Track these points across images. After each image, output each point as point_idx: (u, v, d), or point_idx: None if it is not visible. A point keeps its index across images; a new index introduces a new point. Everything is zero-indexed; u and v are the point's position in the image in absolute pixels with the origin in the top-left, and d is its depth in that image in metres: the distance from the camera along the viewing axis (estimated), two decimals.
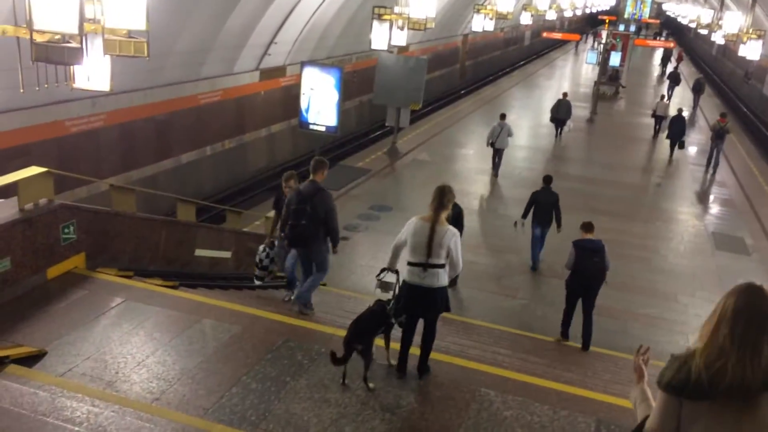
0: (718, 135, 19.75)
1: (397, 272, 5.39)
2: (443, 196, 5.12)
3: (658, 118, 24.00)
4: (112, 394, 4.85)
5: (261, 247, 8.00)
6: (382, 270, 5.50)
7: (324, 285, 10.49)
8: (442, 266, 5.10)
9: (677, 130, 20.89)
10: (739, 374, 2.29)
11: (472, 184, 17.65)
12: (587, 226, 8.96)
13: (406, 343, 5.48)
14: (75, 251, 6.86)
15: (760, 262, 13.60)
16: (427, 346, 5.46)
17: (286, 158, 20.83)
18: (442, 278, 5.12)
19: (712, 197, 18.74)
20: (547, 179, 12.21)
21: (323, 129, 13.46)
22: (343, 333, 6.33)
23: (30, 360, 5.17)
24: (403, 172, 18.73)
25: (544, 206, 11.86)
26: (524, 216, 11.94)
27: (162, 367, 5.34)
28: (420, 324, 5.54)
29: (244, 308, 6.74)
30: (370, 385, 5.23)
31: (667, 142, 21.58)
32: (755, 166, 22.02)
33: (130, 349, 5.56)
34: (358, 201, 15.93)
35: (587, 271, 8.44)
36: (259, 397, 5.05)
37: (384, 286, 5.51)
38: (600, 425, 5.11)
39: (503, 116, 18.00)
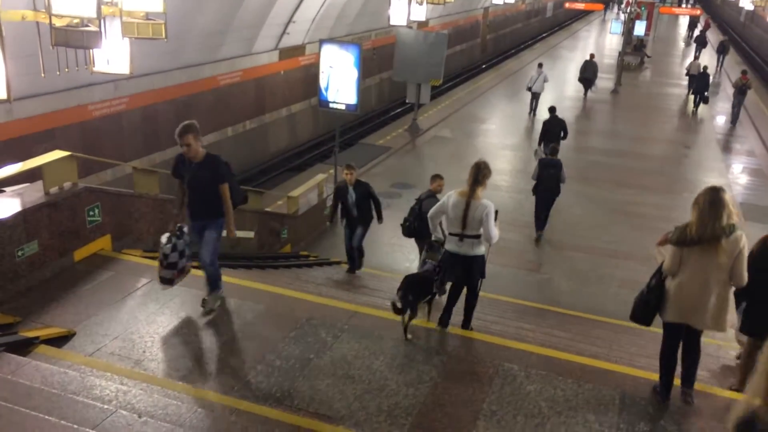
0: (740, 91, 21.36)
1: (440, 242, 6.17)
2: (479, 173, 5.56)
3: (692, 78, 24.41)
4: (139, 373, 4.93)
5: (164, 238, 5.85)
6: (430, 243, 6.60)
7: (346, 263, 10.55)
8: (477, 237, 5.60)
9: (701, 85, 22.57)
10: (711, 230, 4.43)
11: (495, 159, 17.49)
12: (553, 150, 12.15)
13: (450, 302, 6.09)
14: (100, 233, 6.95)
15: None
16: (469, 306, 6.05)
17: (307, 137, 20.84)
18: (478, 248, 5.67)
19: (740, 167, 18.38)
20: (552, 109, 15.93)
21: (343, 107, 13.39)
22: (366, 310, 6.40)
23: (59, 340, 5.27)
24: (424, 149, 18.64)
25: (552, 132, 15.18)
26: (540, 143, 15.57)
27: (188, 346, 5.42)
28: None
29: (267, 287, 6.80)
30: (408, 336, 5.73)
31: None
32: None
33: (157, 329, 5.64)
34: (380, 179, 15.89)
35: (546, 181, 11.63)
36: (284, 374, 5.10)
37: (429, 252, 6.56)
38: (625, 397, 5.08)
39: (540, 65, 21.49)
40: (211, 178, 5.71)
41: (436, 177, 8.42)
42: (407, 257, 11.41)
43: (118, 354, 5.21)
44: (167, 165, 14.63)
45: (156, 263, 6.40)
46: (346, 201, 9.10)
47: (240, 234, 9.53)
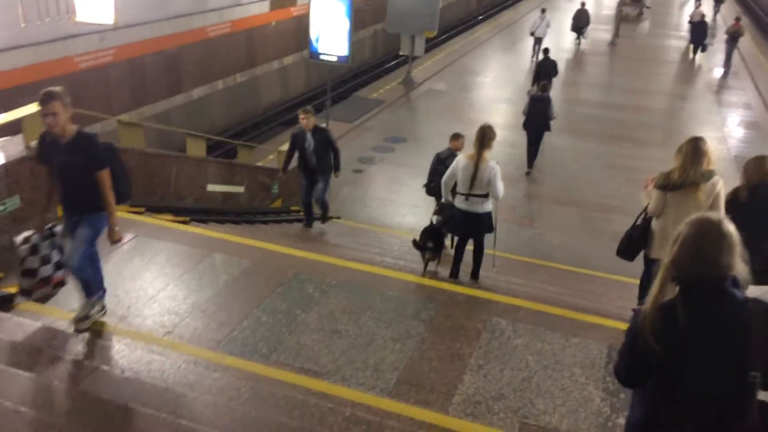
0: (732, 38, 21.77)
1: (449, 204, 6.37)
2: (484, 137, 6.01)
3: (693, 26, 24.43)
4: (123, 329, 4.89)
5: (21, 237, 4.65)
6: (441, 205, 6.83)
7: (338, 218, 10.49)
8: (484, 195, 6.06)
9: (699, 33, 23.27)
10: (692, 176, 4.81)
11: (489, 113, 17.29)
12: (543, 87, 12.79)
13: (458, 256, 6.50)
14: None
15: None
16: (477, 259, 6.48)
17: (299, 91, 20.54)
18: (485, 205, 6.12)
19: (737, 120, 18.20)
20: (545, 50, 17.17)
21: (334, 59, 13.12)
22: (355, 265, 6.35)
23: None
24: (418, 102, 18.39)
25: (544, 72, 15.85)
26: (533, 83, 16.18)
27: (173, 302, 5.37)
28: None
29: (255, 242, 6.73)
30: (440, 269, 6.55)
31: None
32: None
33: (142, 284, 5.59)
34: (373, 133, 15.72)
35: (534, 116, 12.30)
36: (270, 329, 5.07)
37: (440, 213, 6.89)
38: (612, 351, 5.07)
39: (544, 10, 21.80)
40: (84, 163, 4.41)
41: (457, 135, 8.35)
42: (398, 212, 11.35)
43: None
44: (156, 119, 14.47)
45: (142, 218, 6.32)
46: (303, 148, 8.18)
47: (229, 189, 9.46)
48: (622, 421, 4.31)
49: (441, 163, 7.94)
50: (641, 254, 5.43)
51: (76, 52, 12.63)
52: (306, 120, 8.01)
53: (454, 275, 6.45)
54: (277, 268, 6.08)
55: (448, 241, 7.01)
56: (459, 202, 6.14)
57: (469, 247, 6.54)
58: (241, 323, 5.13)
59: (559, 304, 5.96)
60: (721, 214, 4.47)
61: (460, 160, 6.07)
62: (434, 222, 6.84)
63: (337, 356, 4.78)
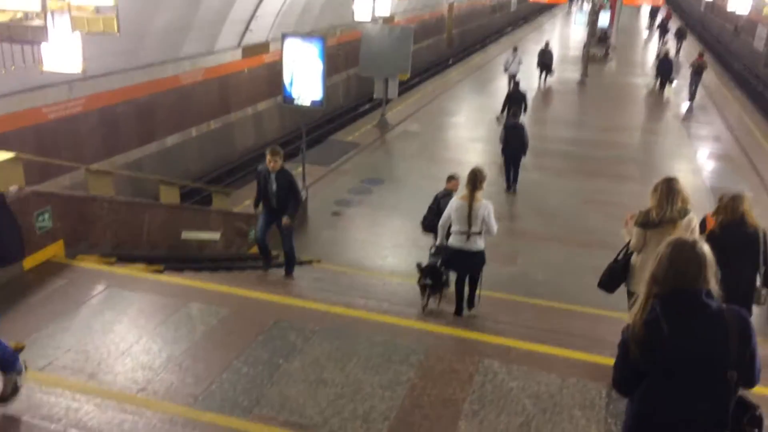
0: (696, 71, 22.66)
1: (443, 247, 6.70)
2: (476, 179, 6.36)
3: (661, 61, 25.47)
4: (93, 387, 4.56)
5: None
6: (437, 248, 6.92)
7: (318, 261, 10.25)
8: (479, 233, 6.40)
9: (665, 68, 24.44)
10: (668, 214, 5.02)
11: (465, 152, 17.32)
12: (514, 114, 14.25)
13: (459, 293, 6.90)
14: (52, 239, 6.53)
15: (761, 217, 13.35)
16: (472, 291, 6.92)
17: (274, 136, 20.42)
18: (480, 243, 6.48)
19: (708, 152, 18.46)
20: (516, 83, 17.90)
21: (308, 103, 13.03)
22: (338, 309, 6.11)
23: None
24: (394, 144, 18.37)
25: (514, 100, 16.45)
26: (502, 111, 16.70)
27: (147, 356, 5.06)
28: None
29: (233, 290, 6.45)
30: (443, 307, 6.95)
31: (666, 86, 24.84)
32: (750, 120, 21.71)
33: (113, 338, 5.27)
34: (349, 175, 15.59)
35: (512, 141, 13.42)
36: (251, 381, 4.77)
37: (436, 254, 6.96)
38: (612, 391, 4.86)
39: (515, 48, 23.13)
40: None
41: (451, 178, 8.72)
42: (379, 254, 11.13)
43: (70, 367, 4.83)
44: (130, 168, 14.20)
45: (113, 268, 6.02)
46: (266, 188, 7.95)
47: (206, 236, 9.18)
48: None
49: (436, 202, 8.23)
50: (622, 288, 5.58)
51: (44, 103, 12.38)
52: (273, 163, 7.76)
53: (458, 312, 6.88)
54: (257, 316, 5.81)
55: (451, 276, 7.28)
56: (455, 242, 6.47)
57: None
58: (220, 376, 4.83)
59: (550, 342, 5.76)
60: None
61: (453, 202, 6.46)
62: (431, 261, 7.00)
63: (323, 407, 4.50)
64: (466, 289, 6.89)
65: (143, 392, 4.57)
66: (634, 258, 5.38)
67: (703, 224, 6.66)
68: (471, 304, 6.97)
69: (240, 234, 10.69)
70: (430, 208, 8.50)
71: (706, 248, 2.59)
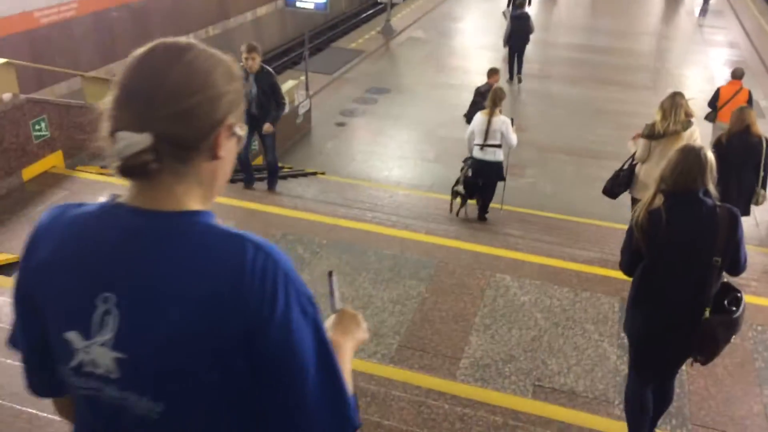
0: None
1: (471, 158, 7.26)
2: (496, 97, 6.86)
3: None
4: None
5: None
6: (464, 161, 7.52)
7: (322, 174, 10.08)
8: (498, 146, 6.93)
9: None
10: (672, 126, 5.37)
11: (472, 60, 16.75)
12: (521, 3, 14.03)
13: (478, 200, 7.61)
14: (50, 149, 6.34)
15: None
16: (486, 201, 7.57)
17: (275, 43, 19.73)
18: (498, 155, 7.02)
19: (724, 59, 17.85)
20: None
21: (311, 6, 12.46)
22: (346, 223, 5.98)
23: (7, 267, 4.78)
24: (399, 51, 17.77)
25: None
26: (508, 5, 15.93)
27: None
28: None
29: (238, 202, 6.31)
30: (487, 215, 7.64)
31: None
32: (767, 23, 20.87)
33: None
34: (354, 84, 15.16)
35: (516, 32, 13.65)
36: None
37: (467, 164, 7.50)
38: (623, 304, 4.79)
39: None
40: None
41: (493, 72, 9.45)
42: (386, 165, 10.94)
43: None
44: None
45: (114, 179, 5.83)
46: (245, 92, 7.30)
47: None
48: None
49: (480, 95, 8.92)
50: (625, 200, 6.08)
51: (36, 6, 11.84)
52: (251, 60, 6.71)
53: (481, 218, 7.62)
54: (264, 230, 5.69)
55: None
56: (476, 153, 7.06)
57: None
58: None
59: (562, 256, 5.66)
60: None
61: (477, 117, 6.96)
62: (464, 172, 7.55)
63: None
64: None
65: None
66: (638, 168, 5.80)
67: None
68: (482, 213, 7.62)
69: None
70: (472, 102, 9.35)
71: (710, 155, 2.95)
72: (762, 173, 6.07)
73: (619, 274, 5.15)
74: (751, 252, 8.36)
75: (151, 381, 1.03)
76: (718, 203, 2.94)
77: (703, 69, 16.56)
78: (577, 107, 14.05)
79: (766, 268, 7.03)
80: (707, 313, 2.95)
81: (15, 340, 1.19)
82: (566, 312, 4.69)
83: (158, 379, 1.02)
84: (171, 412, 1.04)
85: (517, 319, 4.59)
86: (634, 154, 5.81)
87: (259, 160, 10.66)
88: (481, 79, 15.49)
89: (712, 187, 2.94)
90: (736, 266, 3.00)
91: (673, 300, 3.00)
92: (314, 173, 10.13)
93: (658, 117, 5.50)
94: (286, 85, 12.19)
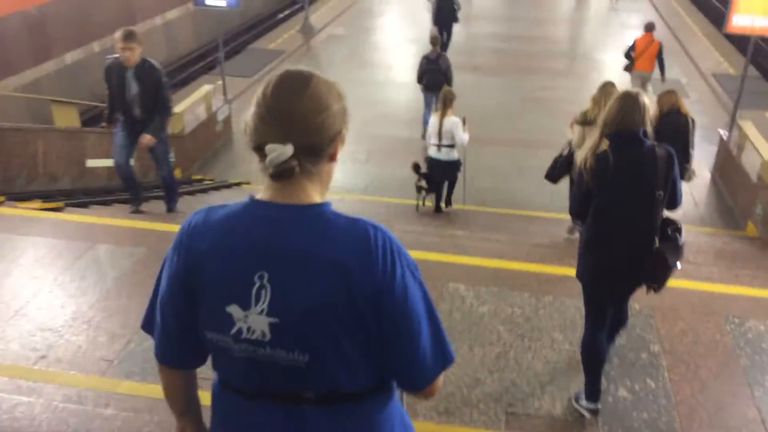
0: None
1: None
2: (446, 99, 7.23)
3: None
4: None
5: None
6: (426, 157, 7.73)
7: (247, 183, 9.36)
8: (451, 146, 7.27)
9: None
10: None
11: (396, 55, 16.30)
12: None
13: (437, 197, 7.93)
14: None
15: (698, 102, 13.15)
16: (449, 193, 7.99)
17: (188, 48, 18.71)
18: (452, 154, 7.37)
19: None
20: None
21: (223, 4, 11.64)
22: None
23: None
24: (321, 49, 17.12)
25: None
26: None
27: (47, 314, 4.17)
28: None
29: (149, 224, 5.56)
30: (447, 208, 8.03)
31: None
32: (678, 5, 21.33)
33: (3, 296, 4.34)
34: None
35: (443, 10, 13.95)
36: None
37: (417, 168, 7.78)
38: None
39: None
40: None
41: (435, 40, 10.69)
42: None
43: None
44: (26, 91, 12.58)
45: (1, 209, 5.02)
46: (122, 92, 5.72)
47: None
48: (622, 393, 3.60)
49: (432, 62, 10.24)
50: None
51: None
52: (129, 51, 5.54)
53: (438, 209, 7.94)
54: None
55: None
56: (431, 152, 7.40)
57: None
58: (139, 331, 3.99)
59: (517, 256, 5.20)
60: None
61: (431, 119, 7.36)
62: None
63: None
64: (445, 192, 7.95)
65: (43, 361, 3.73)
66: (576, 154, 5.88)
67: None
68: (448, 202, 8.02)
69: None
70: (424, 70, 10.44)
71: (646, 99, 3.19)
72: (690, 151, 6.31)
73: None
74: (695, 233, 8.21)
75: (298, 339, 1.31)
76: (655, 144, 3.20)
77: (620, 51, 16.63)
78: (505, 97, 13.79)
79: (718, 251, 6.80)
80: (656, 242, 3.23)
81: (149, 326, 1.50)
82: (530, 321, 4.20)
83: (304, 336, 1.31)
84: (315, 360, 1.32)
85: (478, 334, 4.06)
86: (570, 141, 6.21)
87: (177, 173, 9.81)
88: (406, 75, 15.15)
89: (650, 129, 3.20)
90: (674, 200, 3.28)
91: (624, 234, 3.24)
92: (238, 183, 9.39)
93: (591, 104, 5.94)
94: (201, 90, 11.36)
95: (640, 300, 4.43)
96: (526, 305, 4.36)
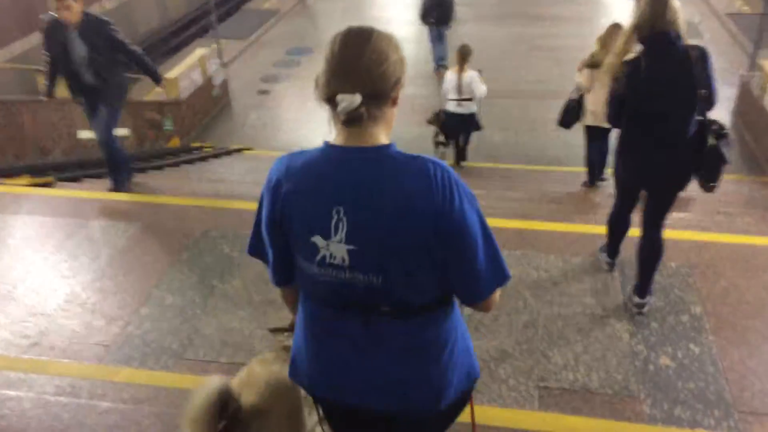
0: None
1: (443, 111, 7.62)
2: (464, 54, 7.22)
3: None
4: None
5: None
6: (436, 114, 7.80)
7: (248, 149, 9.02)
8: (469, 99, 7.29)
9: None
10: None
11: (392, 9, 15.72)
12: None
13: (458, 152, 8.00)
14: None
15: (713, 42, 12.60)
16: (464, 147, 7.95)
17: (181, 12, 18.12)
18: (471, 107, 7.39)
19: None
20: None
21: None
22: None
23: None
24: (316, 6, 16.56)
25: None
26: None
27: (37, 297, 3.88)
28: None
29: (145, 197, 5.23)
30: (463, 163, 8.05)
31: None
32: None
33: None
34: (272, 47, 13.96)
35: None
36: (179, 314, 3.71)
37: (435, 119, 7.86)
38: (624, 267, 4.03)
39: None
40: None
41: None
42: (318, 132, 9.88)
43: None
44: (14, 62, 12.14)
45: None
46: (67, 58, 4.94)
47: None
48: (664, 361, 3.30)
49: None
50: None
51: None
52: (66, 11, 4.76)
53: (458, 162, 7.97)
54: (179, 228, 4.65)
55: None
56: (450, 107, 7.41)
57: None
58: (138, 311, 3.74)
59: (539, 216, 4.86)
60: None
61: (448, 75, 7.36)
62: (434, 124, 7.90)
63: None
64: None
65: (35, 349, 3.45)
66: (585, 97, 6.06)
67: None
68: (464, 157, 8.02)
69: (153, 125, 9.22)
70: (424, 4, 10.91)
71: (677, 2, 3.13)
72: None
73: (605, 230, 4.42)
74: (721, 182, 7.81)
75: (372, 263, 1.51)
76: (688, 44, 3.17)
77: None
78: (512, 47, 13.29)
79: (747, 200, 6.45)
80: (711, 140, 3.27)
81: (255, 251, 1.77)
82: (558, 286, 3.88)
83: (377, 261, 1.50)
84: (388, 279, 1.52)
85: (502, 302, 3.72)
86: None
87: (174, 142, 9.47)
88: (406, 29, 14.61)
89: (683, 30, 3.14)
90: (711, 99, 3.25)
91: (659, 136, 3.28)
92: (239, 150, 9.03)
93: (597, 47, 5.89)
94: (196, 54, 10.93)
95: (676, 257, 4.12)
96: (552, 267, 4.04)
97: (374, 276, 1.52)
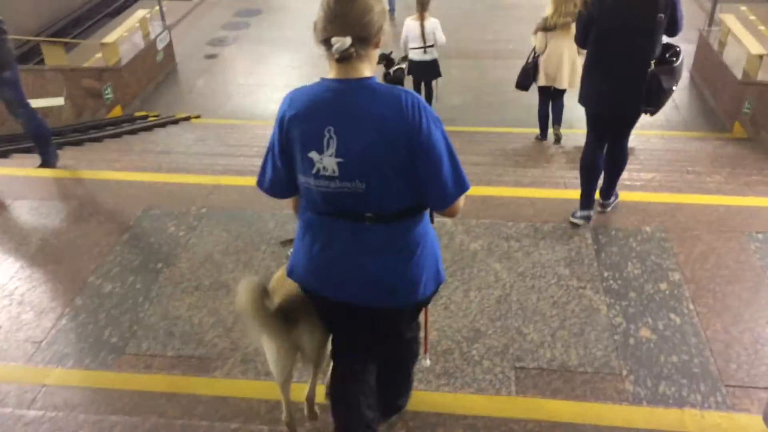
0: None
1: (406, 58, 7.50)
2: (424, 2, 7.05)
3: None
4: None
5: None
6: (401, 59, 7.55)
7: (196, 117, 8.55)
8: (432, 46, 7.23)
9: None
10: (563, 19, 5.93)
11: None
12: None
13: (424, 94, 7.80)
14: None
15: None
16: (429, 96, 7.70)
17: None
18: (434, 53, 7.32)
19: None
20: None
21: None
22: (229, 180, 4.65)
23: None
24: None
25: None
26: None
27: None
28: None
29: (81, 173, 4.79)
30: None
31: None
32: None
33: None
34: (219, 8, 13.30)
35: None
36: (120, 302, 3.36)
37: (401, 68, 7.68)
38: (598, 233, 3.82)
39: None
40: None
41: None
42: (270, 97, 9.46)
43: None
44: None
45: None
46: None
47: (42, 103, 7.18)
48: (644, 333, 3.12)
49: None
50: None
51: None
52: None
53: None
54: (118, 206, 4.25)
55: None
56: (414, 55, 7.32)
57: None
58: (73, 302, 3.37)
59: (506, 181, 4.62)
60: None
61: (408, 24, 7.26)
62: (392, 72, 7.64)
63: (229, 325, 3.19)
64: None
65: None
66: (540, 58, 6.26)
67: None
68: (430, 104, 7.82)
69: (92, 94, 8.64)
70: None
71: None
72: None
73: (578, 194, 4.20)
74: (682, 139, 7.70)
75: (356, 172, 1.81)
76: None
77: None
78: (468, 5, 12.93)
79: (713, 157, 6.34)
80: (653, 66, 3.45)
81: (262, 183, 2.03)
82: (530, 256, 3.65)
83: (360, 170, 1.80)
84: (370, 185, 1.82)
85: (472, 276, 3.50)
86: (535, 47, 6.34)
87: (116, 112, 8.92)
88: None
89: None
90: (675, 25, 3.39)
91: (621, 59, 3.48)
92: (186, 118, 8.55)
93: (549, 11, 5.97)
94: (136, 16, 10.27)
95: (650, 221, 3.93)
96: (523, 237, 3.81)
97: (359, 183, 1.81)
